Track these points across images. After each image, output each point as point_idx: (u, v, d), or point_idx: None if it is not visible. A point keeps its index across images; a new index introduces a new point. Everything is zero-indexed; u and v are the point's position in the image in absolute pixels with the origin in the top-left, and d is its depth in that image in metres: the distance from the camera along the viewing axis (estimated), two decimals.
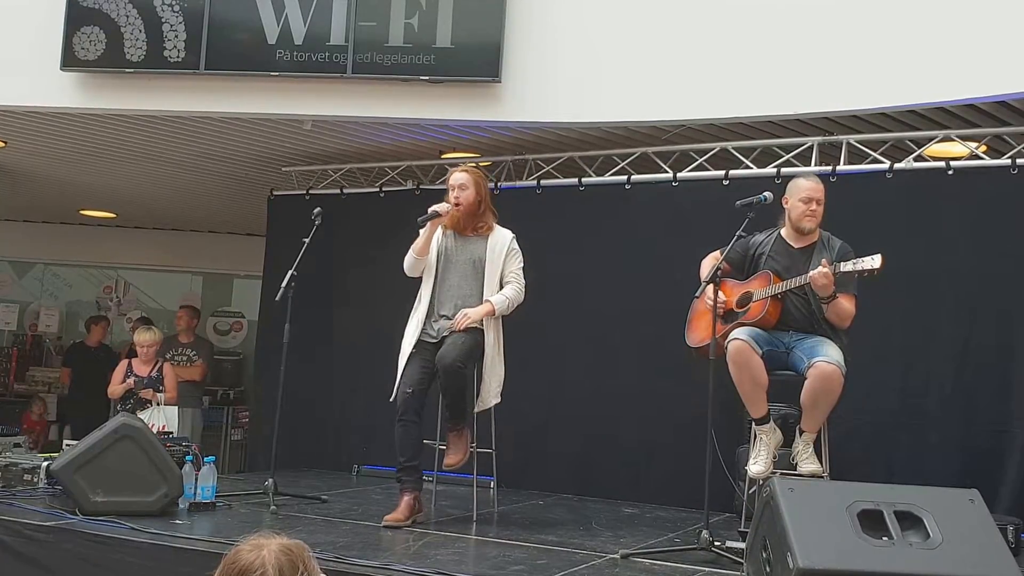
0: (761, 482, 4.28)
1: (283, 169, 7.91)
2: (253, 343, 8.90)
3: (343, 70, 6.20)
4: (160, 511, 4.77)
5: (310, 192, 7.64)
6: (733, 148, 6.42)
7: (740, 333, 4.61)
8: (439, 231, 5.14)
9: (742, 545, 3.99)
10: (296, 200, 7.53)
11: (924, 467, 5.42)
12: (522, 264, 5.16)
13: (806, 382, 4.50)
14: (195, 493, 5.02)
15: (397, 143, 7.28)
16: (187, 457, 5.22)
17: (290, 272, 5.38)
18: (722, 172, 6.35)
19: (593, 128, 6.54)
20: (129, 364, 7.08)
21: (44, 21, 6.43)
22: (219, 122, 6.92)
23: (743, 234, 4.73)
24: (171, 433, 6.48)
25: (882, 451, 5.65)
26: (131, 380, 6.94)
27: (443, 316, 5.08)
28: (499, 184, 6.99)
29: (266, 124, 6.89)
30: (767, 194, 4.73)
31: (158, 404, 6.90)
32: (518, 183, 7.05)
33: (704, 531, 4.33)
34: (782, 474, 4.44)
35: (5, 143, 7.70)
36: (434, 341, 5.05)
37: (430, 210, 5.07)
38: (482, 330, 5.02)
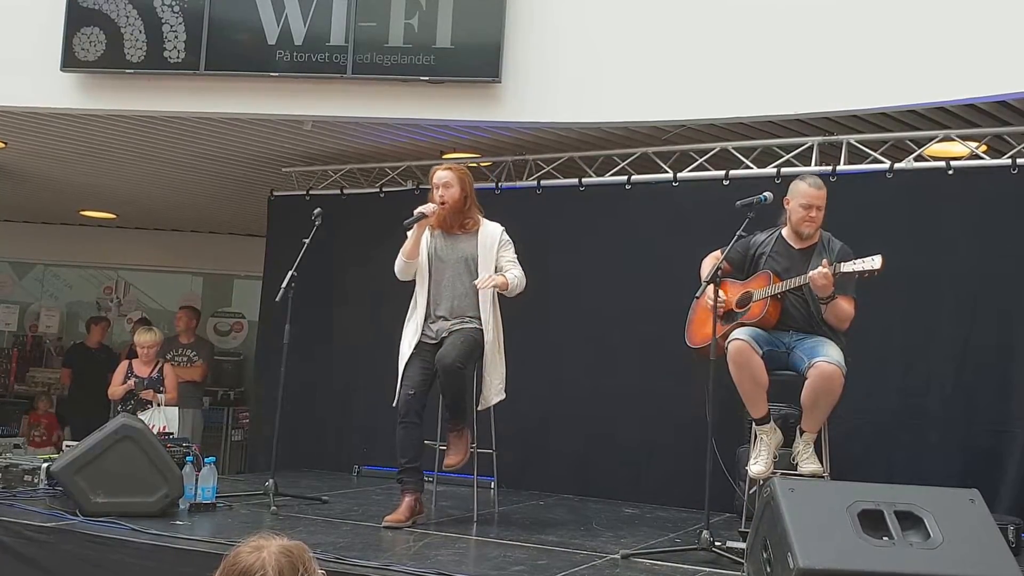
0: (761, 482, 4.28)
1: (283, 170, 7.91)
2: (253, 344, 8.89)
3: (343, 70, 6.20)
4: (160, 512, 4.77)
5: (310, 193, 7.64)
6: (733, 148, 6.42)
7: (740, 333, 4.61)
8: (427, 232, 5.12)
9: (742, 545, 3.99)
10: (296, 200, 7.53)
11: (924, 467, 5.41)
12: (515, 252, 5.12)
13: (807, 382, 4.50)
14: (195, 494, 5.03)
15: (397, 143, 7.28)
16: (187, 458, 5.22)
17: (290, 273, 5.38)
18: (722, 172, 6.35)
19: (593, 128, 6.54)
20: (129, 365, 7.08)
21: (44, 22, 6.43)
22: (219, 123, 6.92)
23: (743, 234, 4.73)
24: (171, 434, 6.48)
25: (882, 451, 5.64)
26: (131, 381, 6.94)
27: (440, 317, 5.07)
28: (499, 184, 6.99)
29: (266, 125, 6.89)
30: (767, 194, 4.72)
31: (158, 405, 6.90)
32: (518, 183, 7.05)
33: (705, 531, 4.33)
34: (782, 474, 4.45)
35: (5, 144, 7.71)
36: (433, 342, 5.05)
37: (415, 212, 5.04)
38: (481, 329, 5.01)
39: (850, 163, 6.09)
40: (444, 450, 5.10)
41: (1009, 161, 5.65)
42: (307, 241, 5.47)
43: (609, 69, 6.06)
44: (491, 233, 5.12)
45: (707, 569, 4.15)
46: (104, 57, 6.39)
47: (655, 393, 6.24)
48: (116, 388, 6.98)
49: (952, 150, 6.06)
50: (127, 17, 6.38)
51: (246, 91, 6.39)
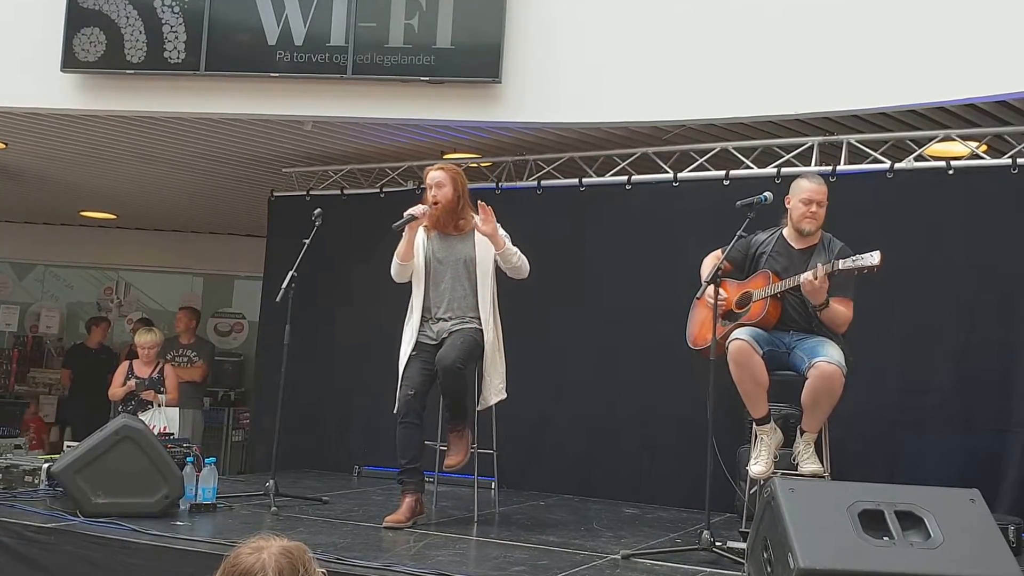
0: (762, 482, 4.28)
1: (283, 170, 7.91)
2: (254, 344, 8.90)
3: (343, 71, 6.20)
4: (161, 512, 4.77)
5: (310, 193, 7.64)
6: (733, 148, 6.42)
7: (741, 333, 4.60)
8: (422, 234, 5.10)
9: (743, 545, 3.99)
10: (296, 201, 7.53)
11: (924, 467, 5.42)
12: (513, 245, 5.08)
13: (807, 382, 4.50)
14: (196, 494, 5.02)
15: (397, 143, 7.28)
16: (188, 458, 5.22)
17: (290, 273, 5.38)
18: (722, 172, 6.35)
19: (593, 128, 6.54)
20: (130, 365, 7.08)
21: (44, 22, 6.43)
22: (219, 123, 6.92)
23: (744, 234, 4.73)
24: (172, 434, 6.48)
25: (882, 451, 5.64)
26: (132, 382, 6.94)
27: (440, 318, 5.07)
28: (499, 184, 6.99)
29: (266, 125, 6.89)
30: (767, 194, 4.72)
31: (159, 405, 6.91)
32: (518, 183, 7.05)
33: (705, 531, 4.33)
34: (783, 474, 4.45)
35: (6, 144, 7.71)
36: (434, 343, 5.04)
37: (405, 214, 5.03)
38: (481, 330, 5.01)
39: (850, 163, 6.09)
40: (444, 450, 5.10)
41: (1009, 161, 5.65)
42: (307, 241, 5.48)
43: (609, 69, 6.07)
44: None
45: (708, 569, 4.15)
46: (104, 57, 6.39)
47: (656, 393, 6.25)
48: (116, 389, 6.98)
49: (952, 150, 6.06)
50: (127, 18, 6.38)
51: (246, 91, 6.39)
